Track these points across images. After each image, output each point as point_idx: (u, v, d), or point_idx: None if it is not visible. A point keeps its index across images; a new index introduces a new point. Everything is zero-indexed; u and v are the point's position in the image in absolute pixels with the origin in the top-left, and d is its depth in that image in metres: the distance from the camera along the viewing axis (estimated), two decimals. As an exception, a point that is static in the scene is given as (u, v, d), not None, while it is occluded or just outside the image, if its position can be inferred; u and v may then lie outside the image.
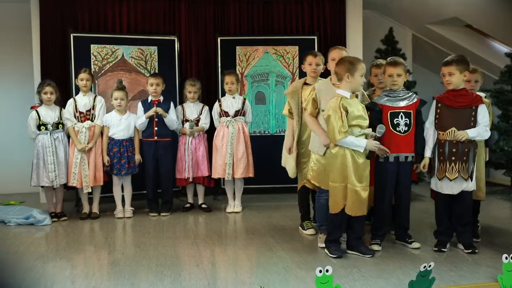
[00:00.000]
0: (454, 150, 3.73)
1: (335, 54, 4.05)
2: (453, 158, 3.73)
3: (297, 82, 4.50)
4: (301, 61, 4.66)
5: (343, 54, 3.99)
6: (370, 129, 3.67)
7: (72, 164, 5.00)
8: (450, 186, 3.77)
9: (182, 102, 5.63)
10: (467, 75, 3.82)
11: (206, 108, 5.50)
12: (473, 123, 3.74)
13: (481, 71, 4.28)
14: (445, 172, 3.77)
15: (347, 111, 3.56)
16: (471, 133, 3.71)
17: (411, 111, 3.85)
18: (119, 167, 5.13)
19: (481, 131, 3.73)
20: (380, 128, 3.62)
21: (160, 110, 5.18)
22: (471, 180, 3.74)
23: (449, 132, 3.75)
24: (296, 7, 6.50)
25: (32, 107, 5.12)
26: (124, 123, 5.18)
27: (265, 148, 5.90)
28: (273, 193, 6.22)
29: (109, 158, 5.12)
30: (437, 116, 3.85)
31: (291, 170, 4.41)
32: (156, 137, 5.24)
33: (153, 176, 5.30)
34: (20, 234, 4.56)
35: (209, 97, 6.04)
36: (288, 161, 4.44)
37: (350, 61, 3.66)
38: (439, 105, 3.85)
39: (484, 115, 3.75)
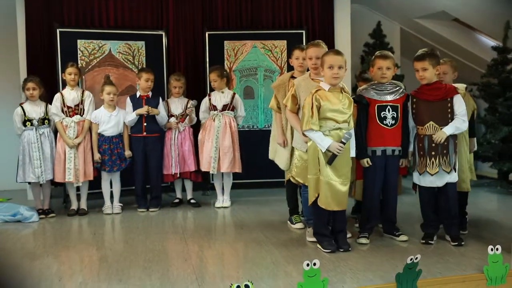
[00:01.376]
0: (433, 144, 3.73)
1: (312, 52, 3.90)
2: (433, 153, 3.74)
3: (284, 75, 4.48)
4: (290, 56, 4.64)
5: (321, 51, 3.84)
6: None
7: (66, 159, 4.96)
8: (431, 180, 3.78)
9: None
10: (438, 69, 3.83)
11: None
12: (450, 115, 3.74)
13: (452, 64, 4.21)
14: (425, 167, 3.78)
15: (320, 104, 3.55)
16: (448, 131, 3.70)
17: (398, 104, 3.86)
18: (111, 164, 5.09)
19: (457, 124, 3.72)
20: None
21: (151, 110, 5.14)
22: (455, 171, 3.76)
23: (428, 126, 3.76)
24: (284, 1, 6.48)
25: (21, 104, 5.07)
26: (114, 120, 5.14)
27: (253, 143, 5.89)
28: (262, 187, 6.21)
29: (100, 155, 5.09)
30: (413, 111, 3.86)
31: (284, 162, 4.24)
32: (145, 133, 5.21)
33: (141, 172, 5.27)
34: (7, 231, 4.52)
35: (197, 91, 6.02)
36: (280, 153, 4.31)
37: (323, 54, 3.69)
38: (414, 100, 3.86)
39: (460, 105, 3.74)
